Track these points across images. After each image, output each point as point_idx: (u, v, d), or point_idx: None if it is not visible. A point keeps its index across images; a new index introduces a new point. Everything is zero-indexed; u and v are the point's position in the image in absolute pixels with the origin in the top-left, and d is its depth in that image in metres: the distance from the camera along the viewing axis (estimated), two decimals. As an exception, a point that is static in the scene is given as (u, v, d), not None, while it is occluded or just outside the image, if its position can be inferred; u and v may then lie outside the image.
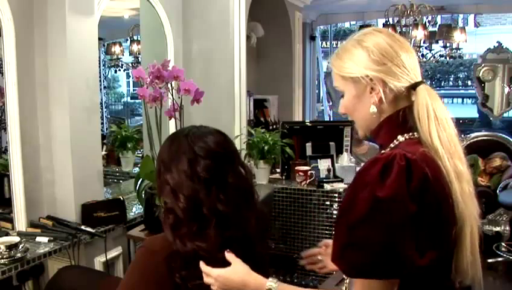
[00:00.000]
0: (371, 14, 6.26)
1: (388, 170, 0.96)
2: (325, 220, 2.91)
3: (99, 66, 2.60)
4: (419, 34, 4.89)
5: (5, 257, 1.76)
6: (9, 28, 1.96)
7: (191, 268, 1.18)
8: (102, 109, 3.55)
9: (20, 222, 2.06)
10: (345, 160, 3.10)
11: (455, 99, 14.15)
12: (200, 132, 1.30)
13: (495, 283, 3.83)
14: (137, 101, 4.55)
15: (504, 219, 4.11)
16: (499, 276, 3.86)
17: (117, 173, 3.19)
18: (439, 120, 1.04)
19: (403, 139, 1.07)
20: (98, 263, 2.24)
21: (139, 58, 3.56)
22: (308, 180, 2.97)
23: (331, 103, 6.84)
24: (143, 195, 2.29)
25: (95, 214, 2.19)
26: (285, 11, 4.60)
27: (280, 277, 2.75)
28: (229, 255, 1.20)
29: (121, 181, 3.17)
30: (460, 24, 9.02)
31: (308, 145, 3.13)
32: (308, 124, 3.47)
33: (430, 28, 5.11)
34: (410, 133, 1.07)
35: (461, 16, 9.90)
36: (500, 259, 3.93)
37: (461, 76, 14.03)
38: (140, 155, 3.17)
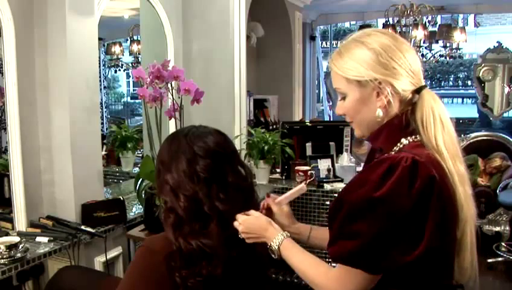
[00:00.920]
0: (370, 14, 6.26)
1: (392, 170, 0.98)
2: (325, 220, 2.90)
3: (99, 66, 2.60)
4: (419, 34, 4.89)
5: (5, 257, 1.76)
6: (9, 28, 1.96)
7: (193, 266, 1.18)
8: (102, 109, 3.55)
9: (20, 222, 2.06)
10: (345, 160, 3.10)
11: (455, 99, 14.14)
12: (199, 132, 1.30)
13: (495, 283, 3.83)
14: (137, 101, 4.56)
15: (504, 219, 4.11)
16: (499, 276, 3.86)
17: (117, 173, 3.19)
18: (444, 124, 1.06)
19: (407, 142, 1.07)
20: (98, 263, 2.25)
21: (139, 58, 3.56)
22: (308, 180, 2.97)
23: (331, 103, 6.85)
24: (143, 195, 2.29)
25: (95, 214, 2.19)
26: (285, 11, 4.60)
27: (280, 276, 2.77)
28: (252, 211, 1.26)
29: (121, 181, 3.17)
30: (460, 24, 9.02)
31: (308, 145, 3.13)
32: (308, 124, 3.47)
33: (430, 28, 5.11)
34: (413, 136, 1.08)
35: (461, 15, 9.90)
36: (500, 259, 3.93)
37: (461, 76, 14.04)
38: (140, 155, 3.17)
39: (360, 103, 1.10)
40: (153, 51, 3.13)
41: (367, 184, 0.99)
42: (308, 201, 2.94)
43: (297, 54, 4.82)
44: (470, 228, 1.06)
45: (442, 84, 14.04)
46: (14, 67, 1.98)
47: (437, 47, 5.35)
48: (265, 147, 2.96)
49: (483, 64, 5.95)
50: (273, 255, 1.21)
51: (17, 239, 1.84)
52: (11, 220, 2.07)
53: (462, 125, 7.44)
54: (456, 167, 1.04)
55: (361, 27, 5.71)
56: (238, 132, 3.13)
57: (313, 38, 6.38)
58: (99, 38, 2.36)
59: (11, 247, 1.79)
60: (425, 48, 5.21)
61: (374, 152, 1.25)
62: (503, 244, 4.03)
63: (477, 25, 9.51)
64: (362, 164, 1.48)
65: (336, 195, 1.14)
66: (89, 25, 2.23)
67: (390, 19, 5.00)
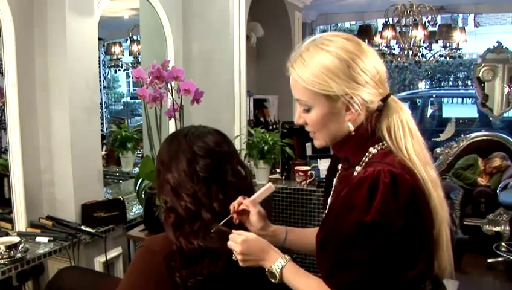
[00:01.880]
0: (370, 14, 6.27)
1: (374, 190, 0.96)
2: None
3: (99, 66, 2.60)
4: (419, 34, 4.89)
5: (5, 257, 1.76)
6: (9, 28, 1.96)
7: (193, 266, 1.18)
8: (102, 109, 3.55)
9: (20, 222, 2.06)
10: (345, 160, 3.10)
11: (455, 100, 14.14)
12: (199, 132, 1.30)
13: (495, 283, 3.83)
14: (137, 101, 4.55)
15: (504, 219, 4.12)
16: (499, 276, 3.86)
17: (117, 173, 3.19)
18: (412, 132, 1.05)
19: (375, 151, 1.06)
20: (98, 263, 2.24)
21: (139, 59, 3.56)
22: (308, 180, 2.97)
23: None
24: (143, 195, 2.29)
25: (94, 214, 2.19)
26: (285, 11, 4.60)
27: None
28: (246, 233, 1.19)
29: (120, 181, 3.17)
30: (460, 24, 9.03)
31: (308, 145, 3.13)
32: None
33: (430, 28, 5.11)
34: (381, 144, 1.06)
35: (461, 15, 9.91)
36: (500, 259, 3.93)
37: (461, 76, 14.03)
38: (140, 155, 3.17)
39: (328, 117, 1.06)
40: (153, 51, 3.13)
41: (355, 209, 0.96)
42: (308, 201, 2.95)
43: (297, 54, 4.81)
44: (445, 228, 1.09)
45: (442, 84, 14.04)
46: (14, 67, 1.98)
47: (437, 47, 5.35)
48: (265, 147, 2.97)
49: (483, 64, 5.95)
50: (273, 280, 1.14)
51: (17, 239, 1.84)
52: (11, 221, 2.07)
53: (462, 125, 7.44)
54: (428, 174, 1.04)
55: (361, 27, 5.72)
56: (238, 132, 3.13)
57: (312, 38, 6.37)
58: (99, 39, 2.36)
59: (11, 247, 1.79)
60: (425, 48, 5.21)
61: (336, 160, 1.23)
62: (503, 244, 4.03)
63: (477, 25, 9.52)
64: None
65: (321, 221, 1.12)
66: (89, 25, 2.23)
67: (390, 19, 5.00)
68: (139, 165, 2.63)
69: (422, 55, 5.18)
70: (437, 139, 5.58)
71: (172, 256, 1.18)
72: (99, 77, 2.47)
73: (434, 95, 9.08)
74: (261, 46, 4.55)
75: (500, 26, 12.03)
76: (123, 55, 3.81)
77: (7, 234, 1.99)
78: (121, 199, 2.36)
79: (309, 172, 2.97)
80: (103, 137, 3.11)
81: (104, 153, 2.97)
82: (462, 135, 5.17)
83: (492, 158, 4.58)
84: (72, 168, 2.16)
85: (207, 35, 3.11)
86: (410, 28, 4.98)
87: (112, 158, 3.23)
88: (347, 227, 0.97)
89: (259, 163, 3.01)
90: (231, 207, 1.21)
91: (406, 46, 5.08)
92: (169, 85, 2.11)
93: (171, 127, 2.52)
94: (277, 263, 1.13)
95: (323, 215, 1.16)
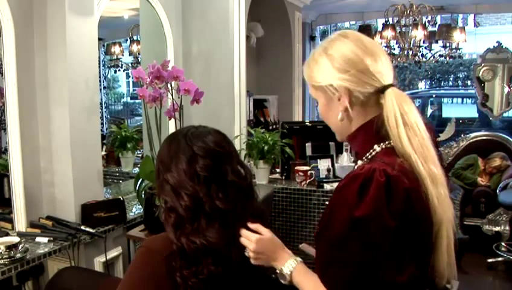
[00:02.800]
0: (370, 14, 6.27)
1: (367, 186, 0.95)
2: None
3: (99, 66, 2.61)
4: (419, 34, 4.89)
5: (4, 257, 1.76)
6: (9, 28, 1.96)
7: (195, 265, 1.18)
8: (102, 109, 3.56)
9: (20, 222, 2.06)
10: (345, 160, 3.10)
11: (455, 99, 14.14)
12: (198, 132, 1.30)
13: (495, 283, 3.83)
14: (137, 101, 4.56)
15: (504, 218, 4.11)
16: (499, 276, 3.86)
17: (117, 173, 3.19)
18: (409, 125, 1.02)
19: (379, 149, 1.05)
20: (98, 263, 2.24)
21: (139, 59, 3.56)
22: (308, 180, 2.97)
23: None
24: (143, 195, 2.29)
25: (94, 214, 2.19)
26: (284, 11, 4.60)
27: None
28: (263, 229, 1.21)
29: (120, 181, 3.17)
30: (460, 24, 9.02)
31: (308, 145, 3.13)
32: (307, 124, 3.47)
33: (430, 28, 5.11)
34: (386, 142, 1.05)
35: (461, 15, 9.89)
36: (500, 259, 3.93)
37: (461, 76, 14.04)
38: (140, 155, 3.18)
39: (326, 108, 1.13)
40: (153, 51, 3.13)
41: (346, 205, 0.97)
42: (308, 201, 2.95)
43: (297, 54, 4.82)
44: (447, 230, 1.04)
45: (442, 84, 14.04)
46: (14, 67, 1.98)
47: (437, 47, 5.35)
48: (265, 147, 2.97)
49: (483, 64, 5.95)
50: (282, 281, 1.16)
51: (17, 239, 1.84)
52: (11, 221, 2.07)
53: (462, 125, 7.44)
54: (427, 169, 1.01)
55: (361, 27, 5.72)
56: (238, 132, 3.13)
57: (312, 38, 6.38)
58: (99, 39, 2.36)
59: (11, 247, 1.79)
60: (425, 48, 5.21)
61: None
62: (503, 244, 4.03)
63: (476, 24, 9.51)
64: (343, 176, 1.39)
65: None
66: (89, 25, 2.23)
67: (390, 19, 5.00)
68: (139, 165, 2.63)
69: (422, 55, 5.18)
70: (437, 139, 5.57)
71: (172, 256, 1.18)
72: (99, 77, 2.47)
73: (434, 95, 9.09)
74: (261, 46, 4.55)
75: (500, 26, 12.03)
76: (123, 55, 3.81)
77: (7, 234, 1.99)
78: (121, 199, 2.36)
79: (309, 172, 2.97)
80: (103, 137, 3.11)
81: (104, 153, 2.97)
82: (462, 135, 5.17)
83: (492, 158, 4.58)
84: (72, 168, 2.16)
85: (207, 35, 3.11)
86: (410, 28, 4.97)
87: (112, 158, 3.23)
88: (338, 224, 0.97)
89: (259, 163, 3.01)
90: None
91: (406, 46, 5.08)
92: (169, 85, 2.11)
93: (171, 127, 2.52)
94: (287, 264, 1.15)
95: None
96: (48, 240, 1.99)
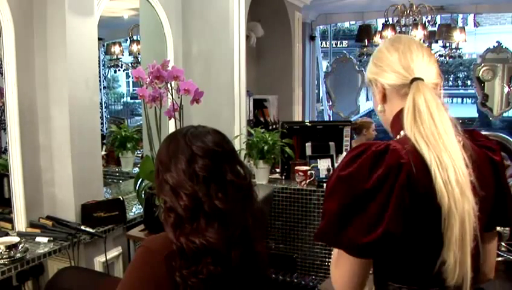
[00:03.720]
0: (370, 14, 6.27)
1: (362, 153, 1.03)
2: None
3: (99, 66, 2.61)
4: (418, 33, 4.89)
5: (4, 257, 1.76)
6: (9, 28, 1.96)
7: (194, 265, 1.18)
8: (102, 109, 3.56)
9: (20, 222, 2.06)
10: (345, 160, 3.10)
11: (455, 99, 14.14)
12: (198, 132, 1.30)
13: (495, 283, 3.83)
14: (137, 101, 4.56)
15: (504, 218, 4.11)
16: (498, 276, 3.86)
17: (117, 173, 3.20)
18: (421, 113, 1.06)
19: (403, 134, 1.10)
20: (98, 263, 2.25)
21: (139, 58, 3.57)
22: (308, 180, 2.97)
23: (330, 103, 6.84)
24: (143, 195, 2.29)
25: (94, 214, 2.19)
26: (284, 11, 4.60)
27: (280, 276, 2.77)
28: None
29: (120, 181, 3.17)
30: (460, 24, 9.02)
31: (308, 145, 3.13)
32: (307, 124, 3.47)
33: (430, 28, 5.11)
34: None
35: (461, 15, 9.90)
36: (500, 259, 3.93)
37: (461, 76, 14.05)
38: (140, 155, 3.18)
39: (374, 100, 1.24)
40: (153, 51, 3.13)
41: (339, 166, 1.07)
42: (308, 201, 2.95)
43: (297, 54, 4.82)
44: (460, 222, 0.98)
45: (442, 83, 14.06)
46: (14, 67, 1.98)
47: (437, 47, 5.36)
48: (265, 147, 2.97)
49: (482, 64, 5.95)
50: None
51: (16, 239, 1.85)
52: (10, 220, 2.07)
53: (462, 125, 7.44)
54: (434, 155, 1.00)
55: (361, 27, 5.72)
56: (238, 132, 3.13)
57: (312, 38, 6.37)
58: (99, 38, 2.36)
59: (11, 247, 1.79)
60: (425, 47, 5.21)
61: None
62: (503, 244, 4.02)
63: (476, 24, 9.51)
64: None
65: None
66: (89, 25, 2.23)
67: (390, 19, 5.01)
68: (138, 165, 2.63)
69: (422, 55, 5.17)
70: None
71: (172, 256, 1.19)
72: (99, 76, 2.47)
73: (434, 95, 9.03)
74: (261, 46, 4.56)
75: (500, 26, 12.04)
76: (123, 55, 3.82)
77: (7, 234, 2.00)
78: (121, 199, 2.36)
79: (309, 172, 2.97)
80: (103, 137, 3.11)
81: (103, 153, 2.97)
82: (462, 135, 5.16)
83: (492, 158, 4.57)
84: (72, 168, 2.16)
85: (207, 35, 3.11)
86: (410, 27, 4.98)
87: (112, 158, 3.23)
88: (330, 180, 1.06)
89: (259, 163, 3.01)
90: None
91: (406, 46, 5.07)
92: (169, 85, 2.11)
93: (171, 127, 2.52)
94: None
95: None
96: (48, 240, 1.99)
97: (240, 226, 1.25)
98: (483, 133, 1.38)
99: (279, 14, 4.61)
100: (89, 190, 2.25)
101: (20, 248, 1.83)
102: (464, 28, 5.32)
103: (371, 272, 1.11)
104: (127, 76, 4.80)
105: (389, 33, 4.94)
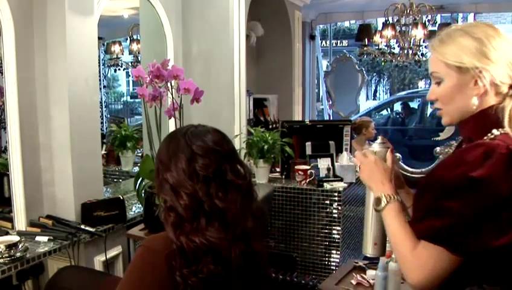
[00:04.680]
0: (370, 13, 6.26)
1: (489, 154, 0.99)
2: (324, 219, 2.92)
3: (99, 66, 2.60)
4: (418, 33, 4.89)
5: (4, 256, 1.77)
6: (9, 27, 1.96)
7: (194, 265, 1.18)
8: (102, 108, 3.55)
9: (20, 221, 2.07)
10: (345, 159, 3.10)
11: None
12: (198, 131, 1.30)
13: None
14: (137, 100, 4.55)
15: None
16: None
17: (117, 172, 3.20)
18: None
19: (498, 133, 1.07)
20: (98, 262, 2.25)
21: (139, 58, 3.56)
22: (308, 180, 2.97)
23: (330, 102, 6.84)
24: (143, 194, 2.29)
25: (94, 214, 2.19)
26: (284, 10, 4.60)
27: (280, 276, 2.77)
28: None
29: (120, 180, 3.17)
30: (460, 23, 9.02)
31: (308, 144, 3.13)
32: (307, 123, 3.47)
33: (430, 27, 5.11)
34: (502, 129, 1.08)
35: (461, 15, 9.90)
36: None
37: (461, 75, 13.99)
38: (140, 154, 3.18)
39: (456, 90, 1.11)
40: (153, 50, 3.13)
41: (463, 164, 1.00)
42: (308, 200, 2.95)
43: (297, 53, 4.82)
44: None
45: None
46: (14, 66, 1.98)
47: (437, 46, 5.35)
48: (265, 146, 2.97)
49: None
50: (375, 206, 1.19)
51: (16, 238, 1.85)
52: (10, 220, 2.07)
53: None
54: None
55: (361, 26, 5.72)
56: (238, 131, 3.13)
57: (312, 37, 6.37)
58: (99, 38, 2.36)
59: (11, 246, 1.79)
60: (425, 47, 5.21)
61: (461, 144, 1.26)
62: None
63: (476, 24, 9.49)
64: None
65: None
66: (89, 24, 2.23)
67: (390, 18, 5.01)
68: (138, 164, 2.63)
69: (422, 54, 5.19)
70: (437, 138, 5.57)
71: (172, 255, 1.19)
72: (99, 76, 2.47)
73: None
74: (261, 46, 4.55)
75: (500, 25, 12.05)
76: (123, 54, 3.81)
77: (7, 233, 2.00)
78: (121, 198, 2.36)
79: (309, 171, 2.97)
80: (103, 136, 3.11)
81: (104, 152, 2.97)
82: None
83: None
84: (72, 167, 2.16)
85: (207, 34, 3.11)
86: (410, 27, 4.98)
87: (112, 157, 3.23)
88: (451, 178, 1.00)
89: (259, 162, 3.01)
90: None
91: (406, 45, 5.09)
92: (169, 84, 2.11)
93: (171, 126, 2.52)
94: (384, 198, 1.17)
95: None
96: (48, 239, 1.99)
97: (240, 225, 1.25)
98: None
99: (279, 14, 4.60)
100: (89, 189, 2.25)
101: (20, 247, 1.83)
102: (464, 27, 5.31)
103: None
104: (127, 75, 4.79)
105: (389, 32, 4.94)
